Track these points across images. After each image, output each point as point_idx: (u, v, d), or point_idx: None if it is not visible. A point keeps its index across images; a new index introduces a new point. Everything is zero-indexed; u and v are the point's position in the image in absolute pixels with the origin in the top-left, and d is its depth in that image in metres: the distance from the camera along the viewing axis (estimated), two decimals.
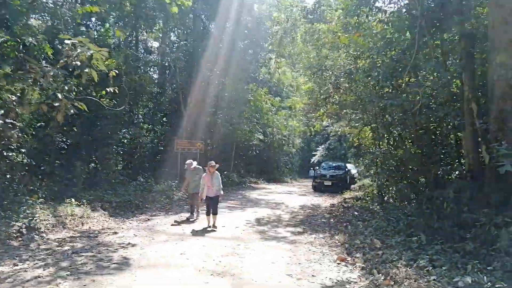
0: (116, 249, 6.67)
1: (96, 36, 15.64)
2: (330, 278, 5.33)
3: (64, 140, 12.41)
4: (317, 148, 33.65)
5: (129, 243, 7.11)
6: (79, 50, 6.46)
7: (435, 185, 8.72)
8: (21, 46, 8.11)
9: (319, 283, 5.14)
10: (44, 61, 8.21)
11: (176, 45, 20.87)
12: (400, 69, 9.49)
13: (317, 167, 23.27)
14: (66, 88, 7.63)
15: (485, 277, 4.20)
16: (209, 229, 8.58)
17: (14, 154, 9.60)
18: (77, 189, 11.03)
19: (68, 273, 5.23)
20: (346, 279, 5.31)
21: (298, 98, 24.59)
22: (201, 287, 4.83)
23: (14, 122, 8.38)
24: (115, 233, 8.00)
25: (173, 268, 5.61)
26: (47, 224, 7.83)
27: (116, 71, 8.81)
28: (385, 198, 11.39)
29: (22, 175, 10.18)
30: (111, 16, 16.03)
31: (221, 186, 8.93)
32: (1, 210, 7.60)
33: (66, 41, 6.41)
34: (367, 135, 14.78)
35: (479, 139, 7.62)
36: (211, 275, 5.34)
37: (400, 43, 9.96)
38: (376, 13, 9.93)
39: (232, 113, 21.65)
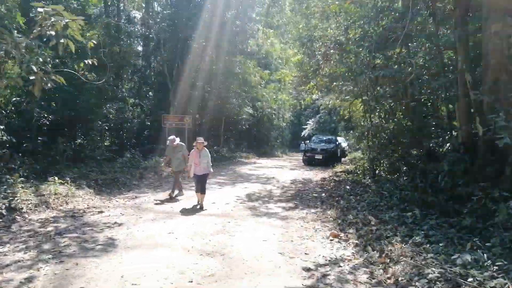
0: (102, 229, 6.42)
1: (75, 6, 14.87)
2: (323, 256, 5.18)
3: (46, 116, 11.92)
4: (308, 122, 33.41)
5: (115, 223, 6.86)
6: (53, 19, 5.98)
7: (427, 158, 8.60)
8: None
9: (312, 261, 4.99)
10: (16, 31, 7.65)
11: (160, 15, 20.04)
12: (392, 39, 9.17)
13: (308, 141, 23.13)
14: (41, 60, 7.14)
15: (485, 254, 4.07)
16: (198, 207, 8.32)
17: None
18: (61, 167, 10.67)
19: (50, 256, 4.98)
20: (340, 256, 5.18)
21: (287, 71, 24.12)
22: (190, 268, 4.62)
23: None
24: (101, 212, 7.73)
25: (160, 249, 5.40)
26: (29, 204, 7.52)
27: (94, 42, 8.35)
28: (377, 172, 11.29)
29: (4, 153, 9.80)
30: None
31: (211, 164, 8.51)
32: None
33: (39, 9, 5.90)
34: (358, 108, 14.58)
35: (472, 110, 7.47)
36: (200, 255, 5.14)
37: (393, 11, 9.61)
38: None
39: (220, 87, 21.14)
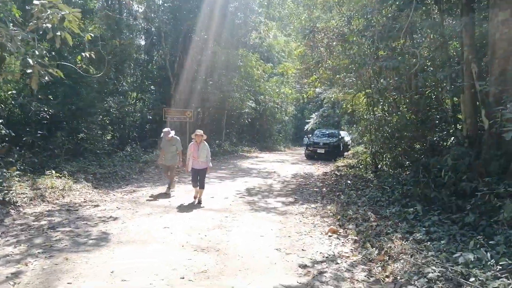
0: (96, 223, 6.30)
1: (78, 1, 14.70)
2: (320, 252, 5.03)
3: (46, 109, 11.81)
4: (311, 116, 33.12)
5: (110, 217, 6.74)
6: (49, 12, 5.83)
7: (431, 152, 8.38)
8: None
9: (309, 257, 4.84)
10: (11, 24, 7.49)
11: (161, 8, 19.81)
12: (396, 29, 8.92)
13: (310, 135, 22.92)
14: (37, 53, 7.00)
15: (488, 253, 3.88)
16: (196, 202, 8.11)
17: None
18: (59, 161, 10.57)
19: (40, 250, 4.87)
20: (338, 253, 5.02)
21: (290, 64, 23.85)
22: (183, 264, 4.49)
23: None
24: (97, 206, 7.62)
25: (154, 244, 5.27)
26: (24, 197, 7.40)
27: (92, 35, 8.19)
28: (379, 166, 11.09)
29: (3, 146, 9.70)
30: None
31: (210, 158, 8.25)
32: None
33: (35, 2, 5.75)
34: (361, 101, 14.33)
35: (477, 103, 7.25)
36: (194, 251, 5.01)
37: (397, 0, 9.34)
38: None
39: (222, 80, 20.93)
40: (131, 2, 20.91)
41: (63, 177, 9.04)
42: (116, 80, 16.36)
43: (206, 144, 8.20)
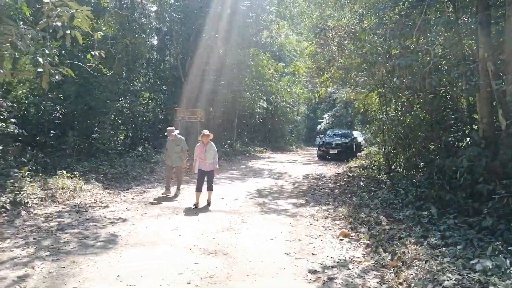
0: (105, 224, 6.28)
1: (91, 1, 14.81)
2: (331, 257, 4.89)
3: (58, 109, 11.91)
4: (323, 116, 32.89)
5: (119, 218, 6.72)
6: (59, 10, 5.82)
7: (446, 153, 8.15)
8: None
9: (319, 262, 4.71)
10: (21, 23, 7.53)
11: (173, 7, 19.83)
12: (409, 26, 8.70)
13: (323, 135, 22.69)
14: (47, 51, 7.01)
15: (507, 259, 3.70)
16: (193, 207, 7.65)
17: (3, 124, 9.12)
18: (71, 161, 10.63)
19: (48, 253, 4.85)
20: (349, 258, 4.87)
21: (301, 63, 23.65)
22: (190, 268, 4.41)
23: None
24: (107, 206, 7.61)
25: (162, 246, 5.21)
26: (35, 198, 7.43)
27: (101, 33, 8.17)
28: (393, 167, 10.87)
29: (16, 146, 9.81)
30: None
31: (217, 159, 8.02)
32: None
33: (45, 0, 5.74)
34: (373, 100, 14.09)
35: (494, 102, 7.02)
36: (202, 254, 4.92)
37: None
38: None
39: (233, 80, 20.86)
40: (144, 1, 21.07)
41: (74, 178, 9.06)
42: (128, 79, 16.43)
43: (213, 144, 7.97)
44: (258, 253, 5.02)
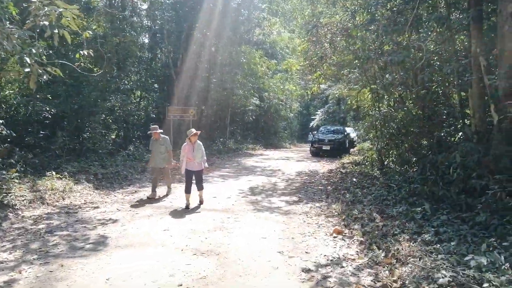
0: (95, 226, 6.17)
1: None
2: (325, 255, 4.83)
3: (47, 109, 11.72)
4: (316, 112, 32.91)
5: (110, 219, 6.61)
6: (46, 9, 5.69)
7: (438, 148, 8.14)
8: None
9: (313, 261, 4.64)
10: (8, 22, 7.36)
11: (164, 6, 19.65)
12: (401, 22, 8.67)
13: (316, 132, 22.66)
14: (34, 51, 6.86)
15: (501, 255, 3.67)
16: (189, 209, 7.41)
17: None
18: (61, 161, 10.47)
19: (36, 256, 4.73)
20: (343, 255, 4.82)
21: (294, 60, 23.60)
22: (181, 270, 4.32)
23: None
24: (97, 207, 7.49)
25: (153, 248, 5.11)
26: (23, 200, 7.29)
27: (90, 32, 8.03)
28: (385, 163, 10.85)
29: (4, 147, 9.62)
30: None
31: (205, 158, 7.81)
32: None
33: None
34: (366, 96, 14.07)
35: (486, 97, 7.01)
36: (194, 255, 4.84)
37: None
38: None
39: (225, 78, 20.75)
40: (135, 0, 20.85)
41: (64, 178, 8.91)
42: (119, 78, 16.25)
43: (201, 143, 7.75)
44: (251, 252, 4.95)
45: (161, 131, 8.80)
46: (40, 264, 4.49)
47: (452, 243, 4.35)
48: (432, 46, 9.37)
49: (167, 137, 8.89)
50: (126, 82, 17.23)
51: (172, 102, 18.39)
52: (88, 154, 12.04)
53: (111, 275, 4.15)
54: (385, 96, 10.92)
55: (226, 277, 4.16)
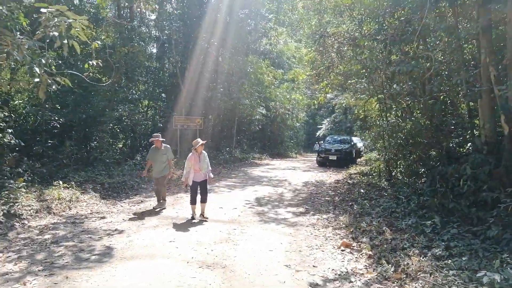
0: (101, 236, 6.14)
1: (89, 9, 14.81)
2: (333, 269, 4.74)
3: (56, 118, 11.82)
4: (322, 122, 32.82)
5: (116, 229, 6.58)
6: (56, 20, 5.76)
7: (447, 159, 8.04)
8: None
9: (320, 275, 4.56)
10: (19, 33, 7.45)
11: (172, 16, 19.84)
12: (409, 32, 8.63)
13: (322, 141, 22.54)
14: (43, 61, 6.92)
15: None
16: (195, 220, 7.32)
17: (0, 135, 8.99)
18: (68, 170, 10.50)
19: (41, 267, 4.71)
20: (351, 269, 4.72)
21: (300, 70, 23.62)
22: (187, 283, 4.26)
23: None
24: (103, 217, 7.47)
25: (158, 260, 5.06)
26: (30, 209, 7.30)
27: (98, 42, 8.10)
28: (393, 174, 10.73)
29: (12, 157, 9.66)
30: None
31: (210, 168, 7.71)
32: None
33: (43, 10, 5.67)
34: (373, 106, 14.00)
35: (496, 107, 6.92)
36: (199, 267, 4.78)
37: (410, 2, 9.06)
38: None
39: (232, 87, 20.80)
40: (143, 10, 21.10)
41: (70, 188, 8.95)
42: (127, 88, 16.37)
43: (206, 153, 7.61)
44: (258, 265, 4.87)
45: (163, 139, 8.63)
46: (45, 275, 4.46)
47: (464, 258, 4.25)
48: (440, 56, 9.32)
49: (169, 146, 8.69)
50: (134, 91, 17.36)
51: (180, 111, 18.46)
52: (95, 163, 12.09)
53: None
54: (393, 106, 10.84)
55: None
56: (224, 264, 4.91)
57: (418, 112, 10.19)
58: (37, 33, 5.84)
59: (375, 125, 12.63)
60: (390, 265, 4.58)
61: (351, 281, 4.36)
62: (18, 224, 6.70)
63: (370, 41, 10.15)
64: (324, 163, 19.57)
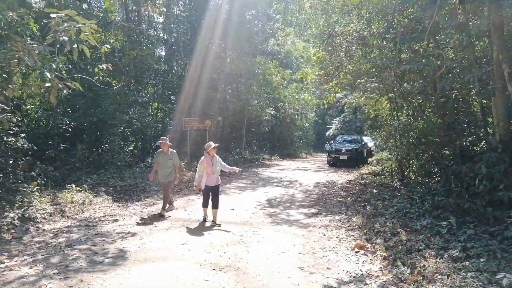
0: (114, 239, 6.17)
1: (97, 13, 14.96)
2: (347, 271, 4.69)
3: (68, 122, 11.95)
4: (332, 121, 32.67)
5: (128, 232, 6.61)
6: (65, 25, 5.81)
7: (461, 158, 7.92)
8: (2, 22, 7.45)
9: (335, 277, 4.51)
10: (29, 38, 7.53)
11: (180, 19, 19.94)
12: (419, 30, 8.53)
13: (332, 141, 22.43)
14: (54, 66, 6.99)
15: None
16: (207, 223, 7.27)
17: (13, 139, 9.10)
18: (80, 174, 10.59)
19: (56, 271, 4.74)
20: (366, 271, 4.66)
21: (309, 70, 23.53)
22: (200, 286, 4.25)
23: (3, 105, 7.90)
24: (116, 220, 7.51)
25: (171, 262, 5.06)
26: (44, 213, 7.38)
27: (108, 46, 8.16)
28: (406, 173, 10.61)
29: (26, 161, 9.78)
30: None
31: (226, 165, 7.52)
32: None
33: (52, 15, 5.74)
34: (383, 105, 13.88)
35: (510, 105, 6.80)
36: (212, 270, 4.77)
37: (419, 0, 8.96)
38: None
39: (241, 88, 20.82)
40: (151, 13, 21.26)
41: (83, 191, 9.03)
42: (136, 91, 16.48)
43: (218, 157, 7.44)
44: (271, 268, 4.85)
45: (171, 144, 8.46)
46: (60, 279, 4.49)
47: (481, 260, 4.17)
48: (451, 54, 9.19)
49: (175, 151, 8.46)
50: (143, 94, 17.49)
51: (189, 113, 18.51)
52: (107, 166, 12.18)
53: None
54: (404, 105, 10.73)
55: None
56: (237, 267, 4.89)
57: (430, 110, 10.07)
58: (47, 38, 5.90)
59: (386, 124, 12.51)
60: (406, 267, 4.51)
61: (366, 284, 4.31)
62: (32, 227, 6.77)
63: (379, 40, 10.06)
64: (335, 163, 19.47)
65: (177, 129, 18.87)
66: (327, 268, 4.83)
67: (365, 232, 6.34)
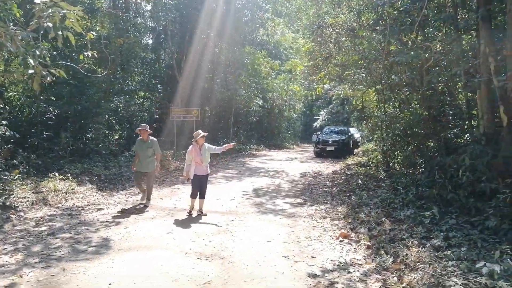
0: (98, 228, 6.10)
1: (85, 1, 14.59)
2: (331, 260, 4.73)
3: (51, 110, 11.69)
4: (320, 113, 32.80)
5: (113, 221, 6.54)
6: (50, 11, 5.63)
7: (445, 150, 8.03)
8: None
9: (319, 266, 4.55)
10: (12, 24, 7.30)
11: (168, 7, 19.61)
12: (408, 22, 8.56)
13: (319, 132, 22.55)
14: (38, 53, 6.80)
15: None
16: (193, 215, 7.01)
17: None
18: (64, 162, 10.42)
19: (38, 260, 4.66)
20: (350, 260, 4.71)
21: (298, 61, 23.49)
22: (185, 274, 4.24)
23: None
24: (100, 209, 7.42)
25: (156, 251, 5.02)
26: (26, 201, 7.23)
27: (94, 33, 7.96)
28: (391, 164, 10.73)
29: (7, 148, 9.57)
30: None
31: (217, 148, 7.30)
32: None
33: (36, 0, 5.54)
34: (371, 97, 13.96)
35: (494, 99, 6.89)
36: (197, 259, 4.75)
37: None
38: None
39: (229, 78, 20.68)
40: (138, 1, 20.83)
41: (66, 180, 8.88)
42: (122, 79, 16.22)
43: (207, 145, 7.21)
44: (256, 256, 4.86)
45: (151, 132, 8.02)
46: (42, 267, 4.41)
47: (462, 249, 4.25)
48: (439, 46, 9.26)
49: (155, 139, 7.93)
50: (129, 83, 17.22)
51: (176, 102, 18.34)
52: (91, 155, 12.01)
53: (114, 280, 4.07)
54: (391, 97, 10.80)
55: (231, 282, 4.08)
56: (222, 255, 4.89)
57: (416, 103, 10.16)
58: (31, 24, 5.72)
59: (372, 116, 12.59)
60: (389, 256, 4.57)
61: (349, 272, 4.35)
62: (14, 216, 6.64)
63: (368, 32, 10.07)
64: (321, 154, 19.59)
65: (163, 118, 18.71)
66: (312, 257, 4.86)
67: (349, 221, 6.41)
